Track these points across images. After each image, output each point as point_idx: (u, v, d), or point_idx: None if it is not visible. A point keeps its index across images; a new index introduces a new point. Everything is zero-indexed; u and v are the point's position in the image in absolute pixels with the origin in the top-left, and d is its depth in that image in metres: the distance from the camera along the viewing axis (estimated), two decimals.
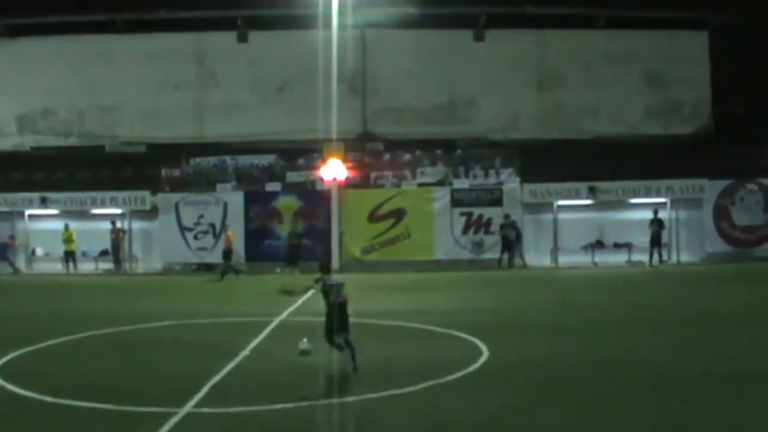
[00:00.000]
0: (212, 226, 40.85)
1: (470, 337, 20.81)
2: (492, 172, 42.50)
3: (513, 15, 47.53)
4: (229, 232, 39.16)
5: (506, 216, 40.46)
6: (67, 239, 41.42)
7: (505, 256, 40.28)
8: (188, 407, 14.74)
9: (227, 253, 38.05)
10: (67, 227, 41.44)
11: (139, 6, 48.44)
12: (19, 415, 14.81)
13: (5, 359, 19.15)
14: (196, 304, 29.37)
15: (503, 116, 47.71)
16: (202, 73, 49.21)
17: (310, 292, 19.57)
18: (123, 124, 49.10)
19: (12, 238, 42.61)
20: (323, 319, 17.83)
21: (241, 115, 47.42)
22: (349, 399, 15.16)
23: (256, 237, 40.72)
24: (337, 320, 17.59)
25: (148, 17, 49.10)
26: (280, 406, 14.89)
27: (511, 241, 40.29)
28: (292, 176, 41.96)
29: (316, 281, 18.24)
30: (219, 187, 41.96)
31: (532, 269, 40.02)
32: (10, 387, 16.52)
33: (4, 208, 42.85)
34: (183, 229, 41.32)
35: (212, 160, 42.91)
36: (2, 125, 50.71)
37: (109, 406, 14.85)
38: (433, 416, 14.17)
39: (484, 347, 19.48)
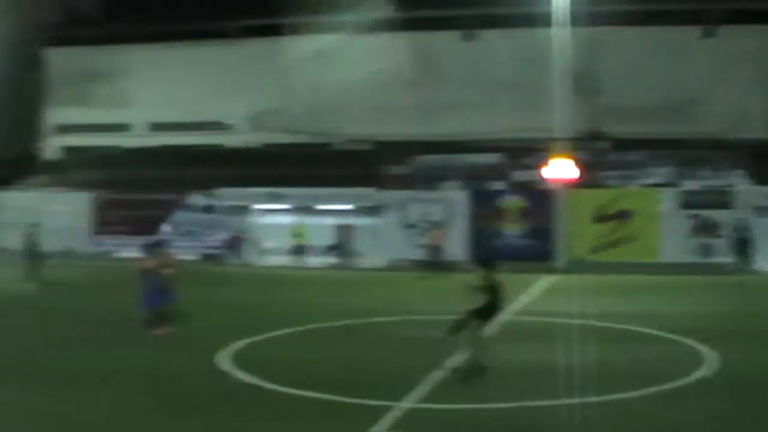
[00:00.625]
0: (438, 224, 41.33)
1: (693, 343, 20.57)
2: (721, 173, 41.67)
3: (741, 10, 46.39)
4: (437, 231, 39.63)
5: (740, 219, 39.59)
6: (297, 233, 42.79)
7: (736, 260, 39.38)
8: (409, 402, 15.13)
9: (435, 251, 38.53)
10: (298, 222, 42.77)
11: (369, 5, 49.60)
12: (249, 403, 15.85)
13: (237, 348, 20.44)
14: (419, 301, 30.04)
15: (733, 115, 46.74)
16: (429, 72, 50.11)
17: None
18: (350, 122, 50.62)
19: (243, 231, 44.27)
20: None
21: (468, 114, 48.28)
22: (568, 401, 15.00)
23: (480, 236, 41.02)
24: (481, 314, 18.34)
25: (372, 16, 50.20)
26: (500, 405, 15.06)
27: (744, 245, 39.39)
28: (517, 175, 42.10)
29: (479, 279, 18.78)
30: (444, 185, 42.55)
31: (762, 274, 38.95)
32: (236, 373, 17.72)
33: (236, 203, 44.62)
34: (407, 226, 41.95)
35: (437, 158, 43.67)
36: (235, 123, 53.09)
37: (330, 397, 15.44)
38: (654, 423, 14.13)
39: (707, 354, 19.27)
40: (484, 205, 41.77)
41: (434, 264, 38.15)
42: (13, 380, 17.20)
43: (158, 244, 24.71)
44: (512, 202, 41.48)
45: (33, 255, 35.45)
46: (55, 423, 14.29)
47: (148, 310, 22.54)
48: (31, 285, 33.90)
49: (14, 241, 44.17)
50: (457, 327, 18.61)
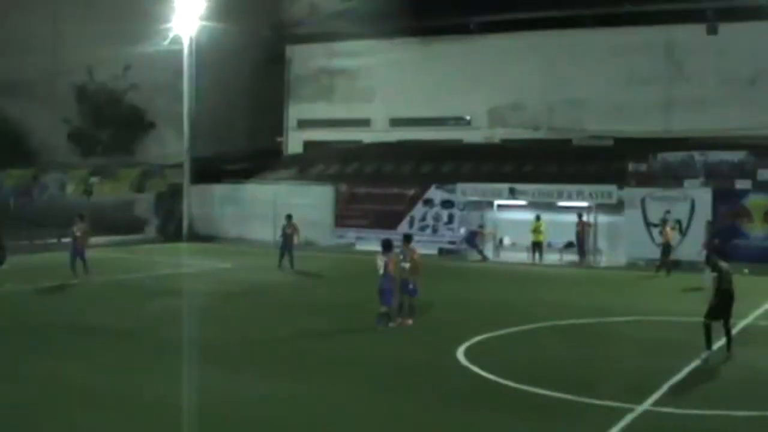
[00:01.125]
0: (678, 222, 40.71)
1: None
2: None
3: None
4: (668, 228, 39.00)
5: None
6: (535, 230, 43.22)
7: None
8: (646, 405, 15.46)
9: (665, 249, 38.07)
10: (538, 218, 43.01)
11: (606, 0, 49.63)
12: (479, 396, 16.69)
13: (471, 342, 21.36)
14: (657, 301, 30.09)
15: None
16: (670, 67, 49.91)
17: None
18: (590, 118, 51.05)
19: (481, 227, 44.84)
20: None
21: (710, 110, 47.61)
22: None
23: (723, 236, 40.11)
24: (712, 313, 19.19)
25: (615, 11, 50.29)
26: (742, 413, 15.18)
27: None
28: (764, 174, 41.02)
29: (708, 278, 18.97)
30: (686, 183, 42.06)
31: None
32: (473, 368, 18.59)
33: (475, 198, 45.20)
34: (648, 225, 41.62)
35: (679, 155, 43.23)
36: (473, 118, 53.89)
37: (567, 396, 16.00)
38: None
39: None
40: (727, 204, 40.91)
41: (668, 263, 37.78)
42: (271, 370, 18.50)
43: (406, 238, 25.55)
44: (758, 201, 40.46)
45: (286, 246, 37.67)
46: (312, 411, 15.44)
47: (387, 303, 23.56)
48: (283, 275, 35.96)
49: (258, 231, 46.85)
50: (708, 337, 18.95)
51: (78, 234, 33.75)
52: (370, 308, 24.31)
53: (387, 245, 24.25)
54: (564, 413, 15.28)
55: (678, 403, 15.70)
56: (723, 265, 19.60)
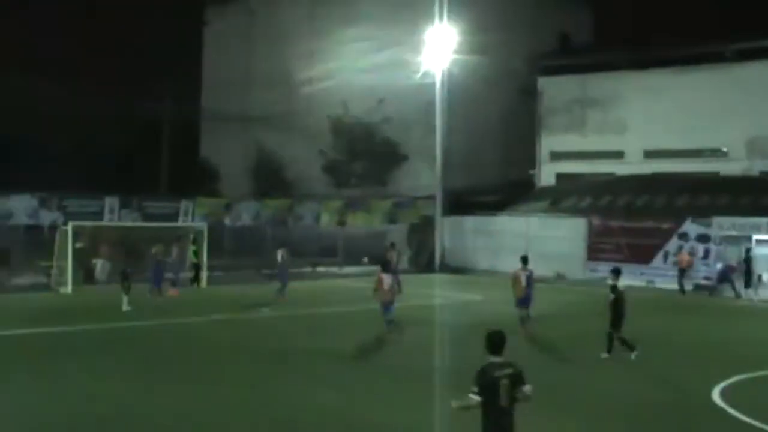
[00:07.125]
0: None
1: None
2: None
3: None
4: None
5: None
6: None
7: None
8: None
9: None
10: None
11: None
12: None
13: (727, 382, 20.63)
14: None
15: None
16: None
17: None
18: None
19: (739, 262, 43.43)
20: None
21: None
22: None
23: None
24: None
25: None
26: None
27: None
28: None
29: None
30: None
31: None
32: (731, 411, 17.94)
33: (733, 232, 43.93)
34: None
35: None
36: (730, 150, 52.72)
37: None
38: None
39: None
40: None
41: None
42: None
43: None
44: None
45: None
46: None
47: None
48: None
49: (509, 263, 46.99)
50: None
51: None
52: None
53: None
54: None
55: None
56: None
